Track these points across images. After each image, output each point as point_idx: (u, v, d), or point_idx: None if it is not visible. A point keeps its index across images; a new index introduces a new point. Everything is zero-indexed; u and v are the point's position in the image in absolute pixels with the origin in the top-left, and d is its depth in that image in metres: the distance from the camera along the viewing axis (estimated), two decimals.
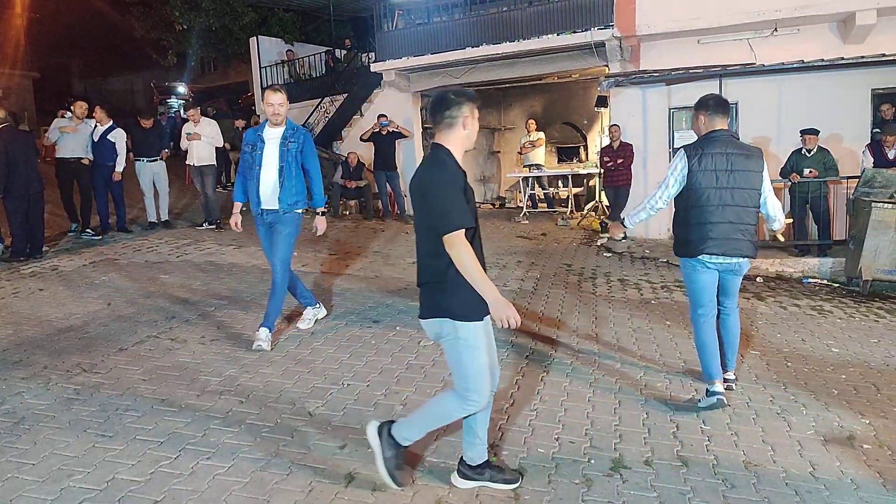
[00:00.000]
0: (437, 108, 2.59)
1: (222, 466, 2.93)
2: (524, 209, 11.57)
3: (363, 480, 2.81)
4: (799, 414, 3.58)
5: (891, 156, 7.49)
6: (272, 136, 4.44)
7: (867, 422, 3.50)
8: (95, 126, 8.24)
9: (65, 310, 5.38)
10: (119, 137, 8.34)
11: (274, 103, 4.35)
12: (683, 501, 2.70)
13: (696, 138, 3.70)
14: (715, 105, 3.64)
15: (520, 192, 12.69)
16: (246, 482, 2.80)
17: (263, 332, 4.46)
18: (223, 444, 3.13)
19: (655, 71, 8.81)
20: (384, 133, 10.67)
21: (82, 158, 8.11)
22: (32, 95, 25.09)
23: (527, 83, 12.59)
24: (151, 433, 3.24)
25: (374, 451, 2.72)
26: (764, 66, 8.04)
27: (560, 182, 12.56)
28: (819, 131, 7.71)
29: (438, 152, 2.58)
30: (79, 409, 3.51)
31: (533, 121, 12.44)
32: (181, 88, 22.07)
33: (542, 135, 12.25)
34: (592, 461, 3.01)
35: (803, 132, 7.70)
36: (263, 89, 15.29)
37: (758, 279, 7.14)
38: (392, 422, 2.77)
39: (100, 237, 8.29)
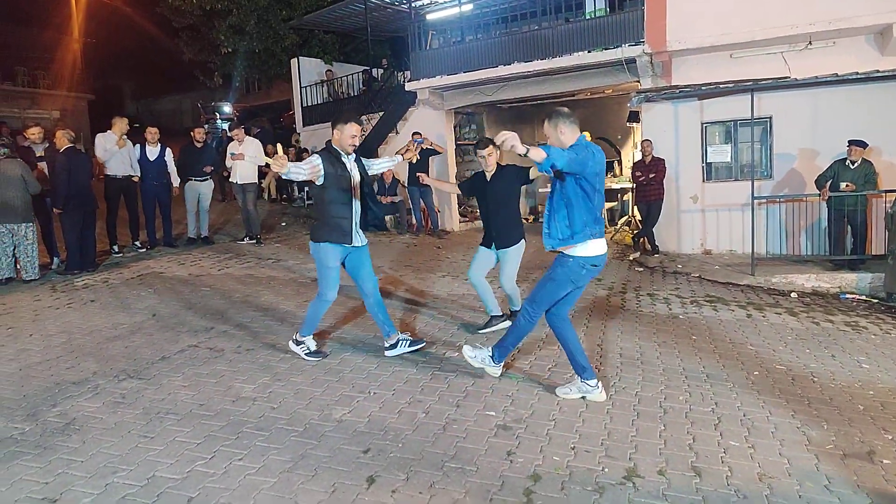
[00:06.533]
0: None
1: (253, 467, 3.11)
2: None
3: (384, 482, 2.96)
4: (819, 428, 3.58)
5: None
6: None
7: (890, 437, 3.48)
8: (143, 145, 8.67)
9: (113, 320, 5.71)
10: (170, 157, 8.87)
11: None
12: None
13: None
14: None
15: None
16: (274, 482, 2.98)
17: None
18: (254, 447, 3.32)
19: (687, 86, 8.81)
20: (419, 150, 10.89)
21: (132, 176, 8.53)
22: (87, 116, 26.42)
23: (560, 99, 12.68)
24: (189, 435, 3.46)
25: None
26: (797, 79, 7.97)
27: None
28: (867, 144, 7.58)
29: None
30: (124, 412, 3.77)
31: (587, 133, 12.41)
32: (227, 108, 22.90)
33: None
34: (606, 469, 3.09)
35: (851, 142, 7.57)
36: (304, 108, 15.86)
37: (792, 294, 7.05)
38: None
39: (147, 252, 8.72)
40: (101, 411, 3.78)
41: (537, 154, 3.31)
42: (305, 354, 4.64)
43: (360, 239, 4.47)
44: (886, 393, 4.16)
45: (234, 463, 3.16)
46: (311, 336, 4.73)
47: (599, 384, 3.95)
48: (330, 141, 4.43)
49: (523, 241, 5.21)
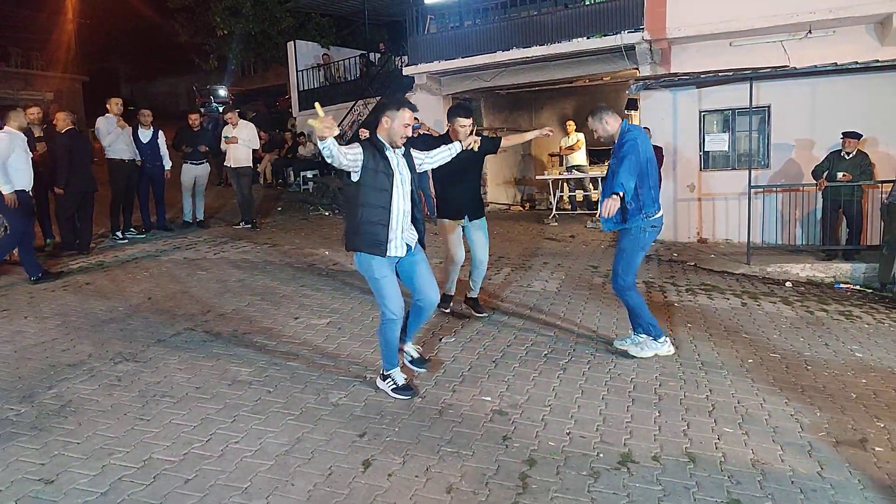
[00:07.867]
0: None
1: (249, 450, 3.12)
2: (553, 211, 11.62)
3: (379, 466, 2.98)
4: (812, 416, 3.61)
5: None
6: None
7: (882, 425, 3.52)
8: (136, 128, 8.57)
9: (109, 303, 5.69)
10: (163, 140, 8.78)
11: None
12: (687, 495, 2.78)
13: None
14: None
15: (548, 194, 12.73)
16: (270, 464, 2.99)
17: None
18: (251, 430, 3.33)
19: (686, 74, 8.78)
20: (415, 135, 10.83)
21: (136, 160, 8.34)
22: (82, 98, 26.17)
23: (557, 86, 12.64)
24: (185, 418, 3.46)
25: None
26: (796, 68, 7.94)
27: (591, 184, 12.55)
28: (861, 136, 7.59)
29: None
30: (120, 395, 3.77)
31: (572, 122, 12.36)
32: (222, 91, 22.73)
33: (581, 136, 12.19)
34: (601, 455, 3.11)
35: (845, 134, 7.58)
36: (300, 92, 15.77)
37: (787, 283, 7.08)
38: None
39: (143, 235, 8.68)
40: (97, 393, 3.78)
41: (614, 205, 3.91)
42: (392, 391, 3.75)
43: (401, 248, 3.66)
44: (879, 381, 4.20)
45: (231, 446, 3.16)
46: (399, 368, 3.85)
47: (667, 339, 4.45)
48: (376, 131, 3.64)
49: None
